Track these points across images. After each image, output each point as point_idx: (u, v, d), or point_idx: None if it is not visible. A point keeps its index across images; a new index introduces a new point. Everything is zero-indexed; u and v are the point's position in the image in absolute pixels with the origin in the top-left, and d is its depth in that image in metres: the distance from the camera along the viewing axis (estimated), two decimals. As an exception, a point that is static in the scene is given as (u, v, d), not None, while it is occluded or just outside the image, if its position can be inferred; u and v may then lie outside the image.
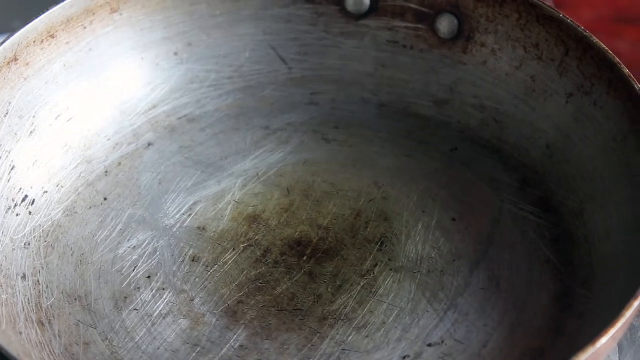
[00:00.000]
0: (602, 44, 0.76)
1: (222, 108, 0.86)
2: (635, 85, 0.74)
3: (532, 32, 0.81)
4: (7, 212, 0.76)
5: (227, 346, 0.72)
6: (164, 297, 0.75)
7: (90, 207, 0.80)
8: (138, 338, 0.72)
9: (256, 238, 0.78)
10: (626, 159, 0.74)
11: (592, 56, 0.77)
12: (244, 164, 0.83)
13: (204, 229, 0.79)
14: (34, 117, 0.80)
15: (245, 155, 0.83)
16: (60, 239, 0.77)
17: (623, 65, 0.75)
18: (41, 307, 0.73)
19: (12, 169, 0.78)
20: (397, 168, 0.82)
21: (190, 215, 0.79)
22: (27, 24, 0.79)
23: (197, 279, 0.76)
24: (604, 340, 0.62)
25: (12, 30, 0.78)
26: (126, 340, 0.72)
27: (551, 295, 0.74)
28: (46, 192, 0.79)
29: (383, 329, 0.73)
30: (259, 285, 0.75)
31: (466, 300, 0.74)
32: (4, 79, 0.78)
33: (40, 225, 0.78)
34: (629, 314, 0.63)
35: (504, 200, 0.79)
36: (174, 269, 0.76)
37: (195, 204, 0.80)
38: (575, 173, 0.78)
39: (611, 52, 0.76)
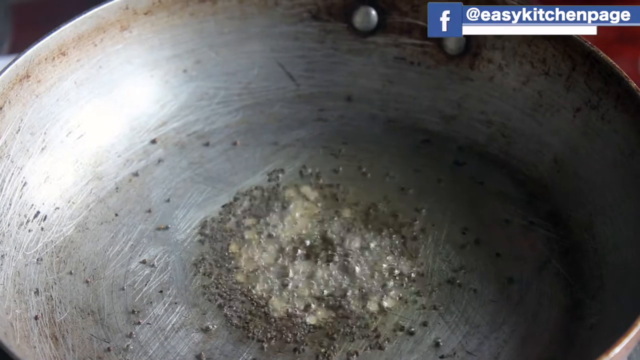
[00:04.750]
0: (609, 58, 0.77)
1: (231, 124, 0.87)
2: (643, 99, 0.75)
3: (538, 47, 0.82)
4: (19, 228, 0.77)
5: (240, 359, 0.72)
6: (176, 310, 0.75)
7: (102, 223, 0.80)
8: (151, 352, 0.73)
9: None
10: (634, 172, 0.75)
11: (599, 71, 0.78)
12: (254, 179, 0.83)
13: (215, 243, 0.79)
14: (45, 133, 0.80)
15: (255, 171, 0.84)
16: (72, 255, 0.78)
17: (630, 80, 0.76)
18: (54, 321, 0.74)
19: (24, 185, 0.78)
20: (406, 182, 0.83)
21: (201, 229, 0.80)
22: (39, 41, 0.79)
23: (209, 293, 0.76)
24: (617, 350, 0.63)
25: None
26: (139, 354, 0.73)
27: (561, 307, 0.74)
28: (58, 208, 0.79)
29: (395, 341, 0.73)
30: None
31: (477, 312, 0.74)
32: (16, 95, 0.78)
33: (52, 240, 0.78)
34: (641, 323, 0.64)
35: (512, 214, 0.80)
36: (186, 283, 0.77)
37: (205, 218, 0.81)
38: (583, 186, 0.79)
39: (618, 67, 0.77)
